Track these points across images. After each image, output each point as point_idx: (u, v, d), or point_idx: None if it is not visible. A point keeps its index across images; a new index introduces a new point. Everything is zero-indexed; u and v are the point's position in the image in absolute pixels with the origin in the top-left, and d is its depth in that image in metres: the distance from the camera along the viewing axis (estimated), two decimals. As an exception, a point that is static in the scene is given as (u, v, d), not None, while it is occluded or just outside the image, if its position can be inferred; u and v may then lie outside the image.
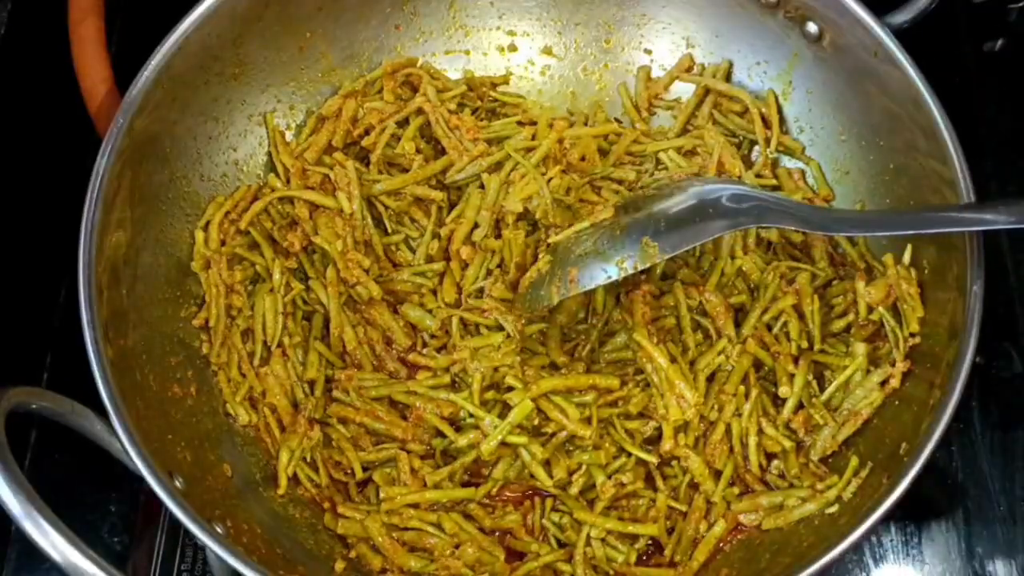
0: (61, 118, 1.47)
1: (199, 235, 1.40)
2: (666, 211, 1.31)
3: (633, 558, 1.29)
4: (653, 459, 1.31)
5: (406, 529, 1.30)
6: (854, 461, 1.27)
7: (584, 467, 1.31)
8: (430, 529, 1.30)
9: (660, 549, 1.31)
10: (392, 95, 1.50)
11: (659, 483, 1.32)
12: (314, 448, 1.35)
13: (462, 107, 1.51)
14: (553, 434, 1.32)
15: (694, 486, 1.32)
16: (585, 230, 1.35)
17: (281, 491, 1.32)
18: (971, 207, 1.22)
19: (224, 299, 1.39)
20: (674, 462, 1.33)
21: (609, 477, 1.31)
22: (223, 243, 1.41)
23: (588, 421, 1.31)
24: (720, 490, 1.30)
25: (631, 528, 1.29)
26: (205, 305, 1.39)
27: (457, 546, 1.29)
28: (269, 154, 1.48)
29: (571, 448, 1.33)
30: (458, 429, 1.36)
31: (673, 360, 1.31)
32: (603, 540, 1.29)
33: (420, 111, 1.48)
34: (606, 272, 1.30)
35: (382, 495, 1.32)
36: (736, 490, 1.31)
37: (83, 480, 1.40)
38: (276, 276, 1.40)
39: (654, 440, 1.33)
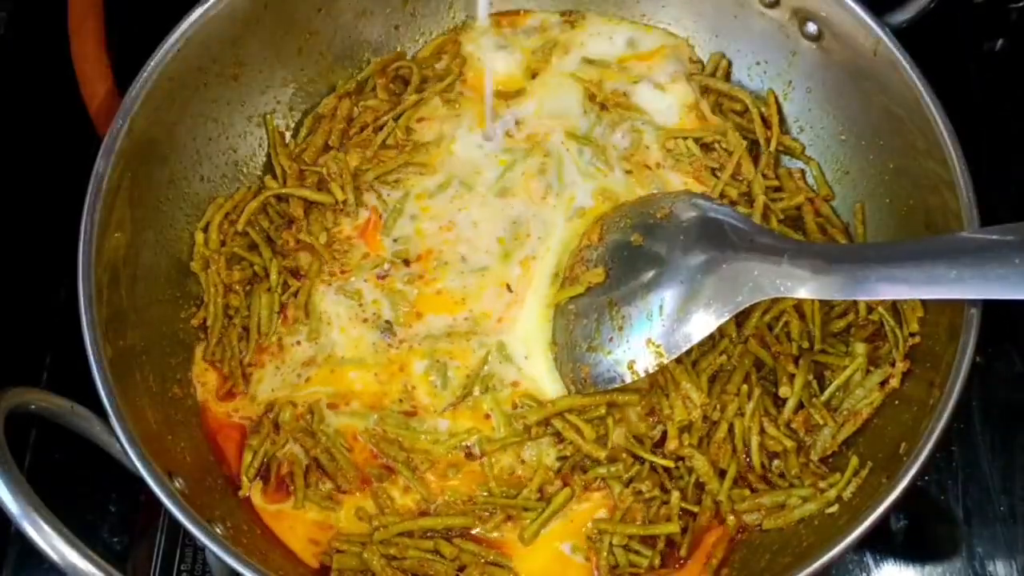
0: (61, 118, 1.47)
1: (199, 236, 1.40)
2: (662, 303, 1.28)
3: (657, 561, 1.29)
4: (670, 463, 1.31)
5: (405, 558, 1.29)
6: (854, 461, 1.27)
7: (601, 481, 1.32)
8: (429, 556, 1.29)
9: (670, 547, 1.31)
10: (385, 92, 1.51)
11: (666, 483, 1.32)
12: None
13: None
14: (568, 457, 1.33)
15: (699, 486, 1.31)
16: (581, 296, 1.35)
17: (243, 493, 1.32)
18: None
19: (222, 298, 1.39)
20: (679, 462, 1.32)
21: (627, 485, 1.31)
22: (223, 243, 1.41)
23: (603, 440, 1.31)
24: (725, 489, 1.30)
25: (651, 530, 1.29)
26: (203, 304, 1.39)
27: (461, 568, 1.29)
28: (268, 155, 1.48)
29: (587, 465, 1.33)
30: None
31: (678, 360, 1.31)
32: (625, 547, 1.29)
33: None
34: (620, 377, 1.29)
35: (374, 523, 1.30)
36: (745, 491, 1.31)
37: (83, 480, 1.40)
38: (273, 276, 1.40)
39: (659, 442, 1.33)
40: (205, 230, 1.41)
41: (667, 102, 1.50)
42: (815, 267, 1.20)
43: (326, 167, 1.45)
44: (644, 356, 1.28)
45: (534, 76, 1.53)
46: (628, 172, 1.46)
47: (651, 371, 1.28)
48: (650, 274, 1.30)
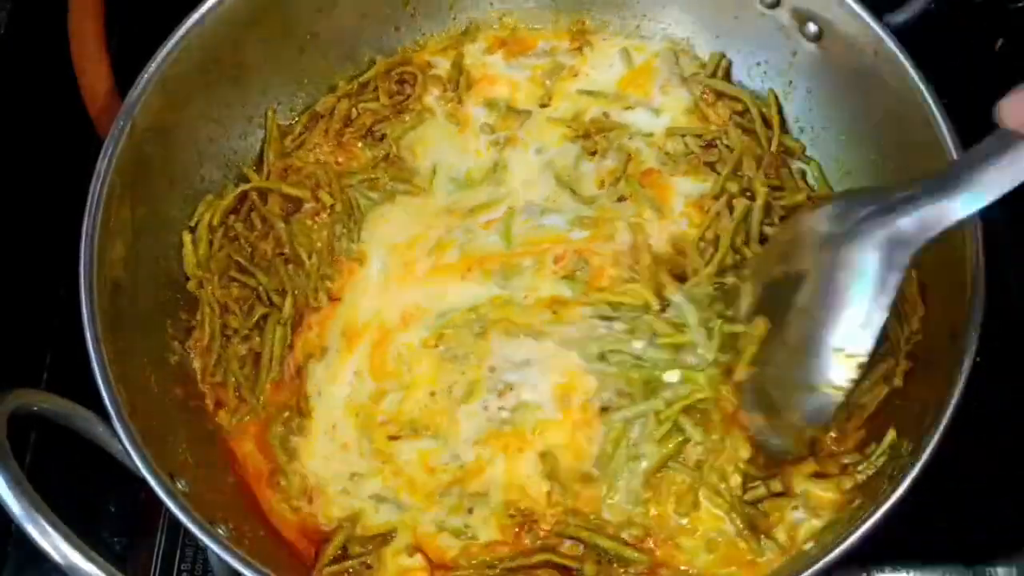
0: (61, 118, 1.47)
1: (186, 237, 1.39)
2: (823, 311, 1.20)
3: None
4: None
5: None
6: (891, 435, 1.26)
7: None
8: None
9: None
10: (387, 95, 1.51)
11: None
12: None
13: None
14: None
15: None
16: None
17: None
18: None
19: (219, 319, 1.38)
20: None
21: None
22: (211, 244, 1.41)
23: None
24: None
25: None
26: (198, 324, 1.39)
27: None
28: (268, 154, 1.48)
29: None
30: None
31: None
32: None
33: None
34: (830, 400, 1.21)
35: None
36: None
37: (83, 480, 1.41)
38: (286, 308, 1.39)
39: None
40: (194, 230, 1.40)
41: (662, 120, 1.50)
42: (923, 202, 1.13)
43: (315, 177, 1.45)
44: (837, 369, 1.19)
45: (543, 106, 1.53)
46: (621, 199, 1.45)
47: (854, 377, 1.19)
48: (801, 291, 1.23)
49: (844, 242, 1.17)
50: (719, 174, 1.44)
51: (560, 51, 1.55)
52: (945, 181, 1.10)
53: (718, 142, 1.47)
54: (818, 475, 1.28)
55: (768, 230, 1.40)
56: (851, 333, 1.16)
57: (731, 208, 1.41)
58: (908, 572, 1.37)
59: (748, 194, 1.43)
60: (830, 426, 1.27)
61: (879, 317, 1.15)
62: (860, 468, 1.26)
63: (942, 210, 1.10)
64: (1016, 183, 1.07)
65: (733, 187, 1.43)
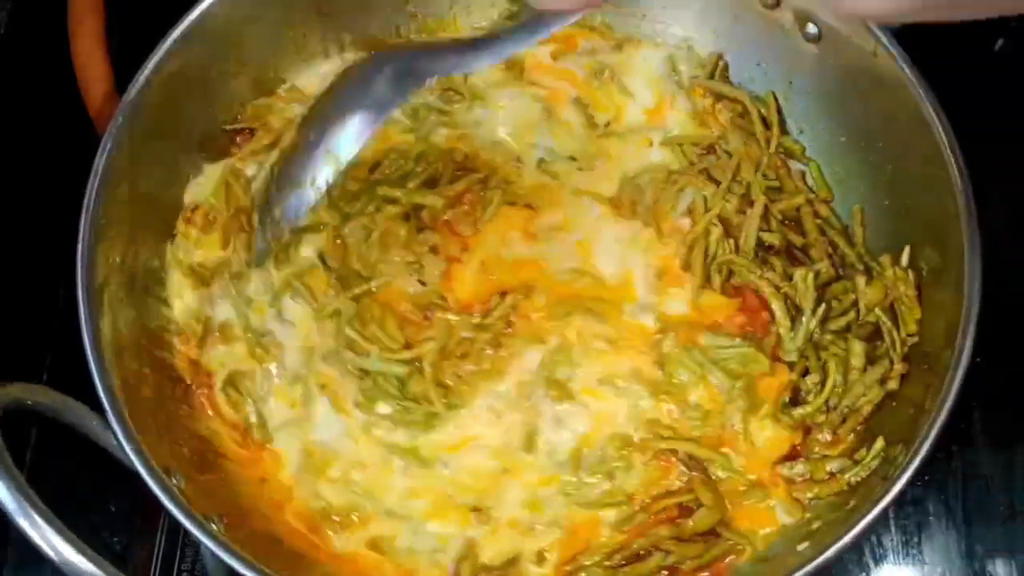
0: (61, 118, 1.47)
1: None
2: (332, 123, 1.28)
3: None
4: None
5: None
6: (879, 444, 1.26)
7: None
8: None
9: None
10: None
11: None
12: None
13: None
14: None
15: None
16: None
17: None
18: None
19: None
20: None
21: None
22: None
23: None
24: None
25: None
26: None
27: None
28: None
29: None
30: None
31: None
32: None
33: None
34: (305, 199, 1.29)
35: None
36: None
37: (84, 480, 1.40)
38: None
39: None
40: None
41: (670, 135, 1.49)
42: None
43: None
44: (324, 169, 1.27)
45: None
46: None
47: (332, 180, 1.28)
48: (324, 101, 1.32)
49: (371, 65, 1.28)
50: (717, 183, 1.44)
51: (602, 50, 1.53)
52: (478, 44, 1.21)
53: (717, 147, 1.46)
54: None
55: (766, 236, 1.40)
56: (344, 140, 1.25)
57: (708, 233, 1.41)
58: (909, 570, 1.37)
59: (748, 200, 1.42)
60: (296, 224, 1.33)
61: (370, 131, 1.25)
62: (851, 473, 1.27)
63: (461, 63, 1.22)
64: (528, 46, 1.22)
65: (733, 199, 1.42)
